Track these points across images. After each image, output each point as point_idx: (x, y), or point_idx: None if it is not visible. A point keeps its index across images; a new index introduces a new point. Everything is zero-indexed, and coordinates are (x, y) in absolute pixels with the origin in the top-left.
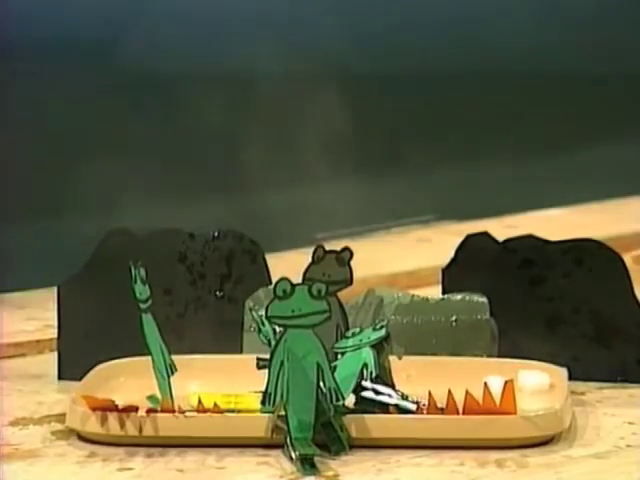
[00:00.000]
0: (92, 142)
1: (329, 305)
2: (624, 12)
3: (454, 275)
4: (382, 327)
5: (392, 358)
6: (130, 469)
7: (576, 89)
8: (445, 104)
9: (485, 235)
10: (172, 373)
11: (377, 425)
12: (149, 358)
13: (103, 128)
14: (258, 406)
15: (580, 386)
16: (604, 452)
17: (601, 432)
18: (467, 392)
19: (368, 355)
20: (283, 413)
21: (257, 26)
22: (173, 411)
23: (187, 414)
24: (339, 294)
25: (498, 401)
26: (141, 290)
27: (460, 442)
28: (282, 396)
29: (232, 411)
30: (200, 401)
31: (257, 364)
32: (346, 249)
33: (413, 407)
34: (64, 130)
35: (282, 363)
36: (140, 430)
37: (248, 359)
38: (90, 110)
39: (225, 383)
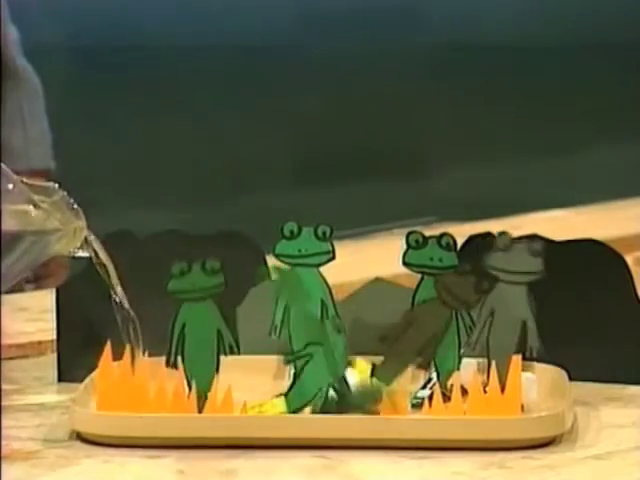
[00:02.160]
0: None
1: (332, 247)
2: None
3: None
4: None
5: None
6: (131, 470)
7: (577, 91)
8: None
9: (488, 236)
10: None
11: (378, 426)
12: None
13: None
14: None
15: (581, 387)
16: (605, 453)
17: (602, 433)
18: (473, 371)
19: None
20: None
21: None
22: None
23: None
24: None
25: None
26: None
27: (462, 443)
28: (288, 327)
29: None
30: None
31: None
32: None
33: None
34: None
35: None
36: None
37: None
38: None
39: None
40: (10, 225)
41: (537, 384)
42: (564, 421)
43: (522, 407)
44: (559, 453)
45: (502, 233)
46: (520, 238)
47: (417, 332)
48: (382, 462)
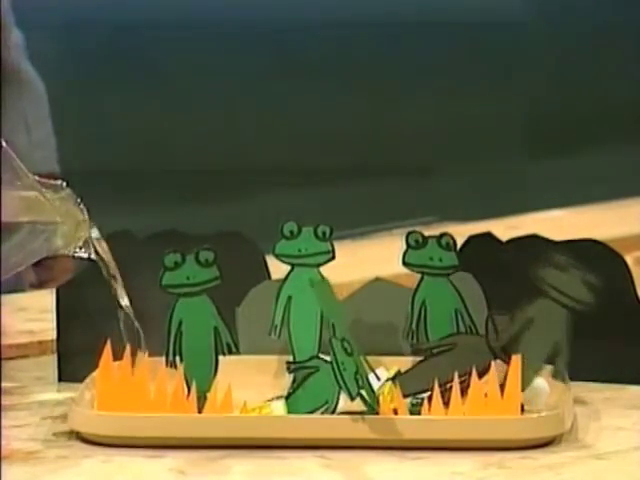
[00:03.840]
0: None
1: (332, 247)
2: None
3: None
4: None
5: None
6: (131, 470)
7: (576, 89)
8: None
9: (488, 236)
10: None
11: (378, 426)
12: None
13: None
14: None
15: (581, 387)
16: (605, 453)
17: (602, 433)
18: (470, 372)
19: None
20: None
21: None
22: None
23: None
24: None
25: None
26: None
27: (461, 443)
28: (288, 327)
29: None
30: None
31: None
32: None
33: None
34: None
35: (290, 298)
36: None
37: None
38: None
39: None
40: (13, 211)
41: (548, 392)
42: (564, 421)
43: (522, 407)
44: (559, 453)
45: (560, 253)
46: (575, 261)
47: (454, 365)
48: (382, 462)
